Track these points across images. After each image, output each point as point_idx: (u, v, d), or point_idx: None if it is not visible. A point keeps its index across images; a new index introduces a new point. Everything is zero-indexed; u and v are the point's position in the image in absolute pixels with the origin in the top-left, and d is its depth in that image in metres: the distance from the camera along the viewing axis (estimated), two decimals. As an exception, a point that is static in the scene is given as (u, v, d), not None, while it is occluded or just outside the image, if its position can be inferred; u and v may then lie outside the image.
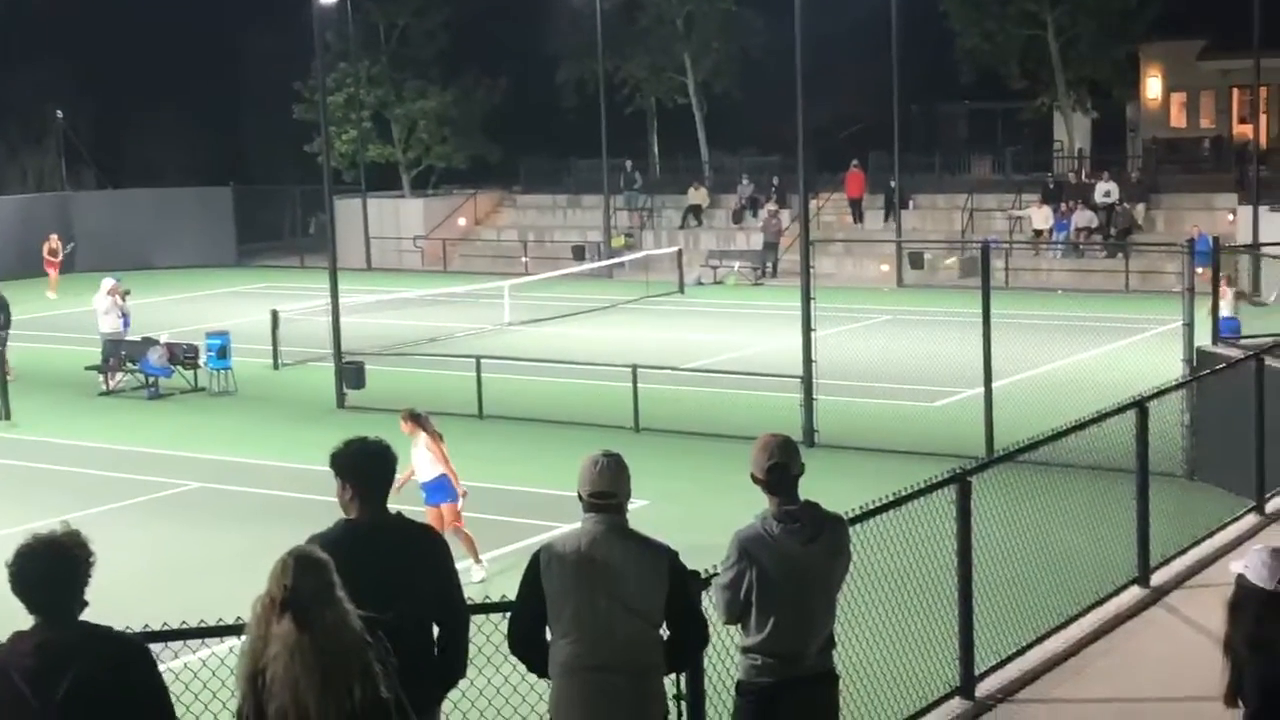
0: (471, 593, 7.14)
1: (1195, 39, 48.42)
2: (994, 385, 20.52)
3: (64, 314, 38.41)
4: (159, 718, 5.26)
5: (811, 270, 22.75)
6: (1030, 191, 44.63)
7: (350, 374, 26.34)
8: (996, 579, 10.20)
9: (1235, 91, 49.59)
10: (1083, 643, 9.98)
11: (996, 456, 10.22)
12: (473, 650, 6.66)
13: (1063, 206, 42.65)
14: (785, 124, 28.08)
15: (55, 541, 5.18)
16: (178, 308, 39.45)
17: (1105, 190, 42.63)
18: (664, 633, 6.55)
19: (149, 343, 27.91)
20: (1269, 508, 12.94)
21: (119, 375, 28.10)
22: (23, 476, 21.57)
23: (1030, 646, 9.78)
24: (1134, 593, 10.86)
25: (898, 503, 8.31)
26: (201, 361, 27.83)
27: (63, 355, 31.76)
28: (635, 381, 23.30)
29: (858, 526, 7.63)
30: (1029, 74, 48.06)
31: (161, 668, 5.37)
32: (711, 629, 6.73)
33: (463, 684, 6.78)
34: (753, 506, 6.92)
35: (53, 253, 43.48)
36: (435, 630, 6.50)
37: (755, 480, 6.82)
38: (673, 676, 6.79)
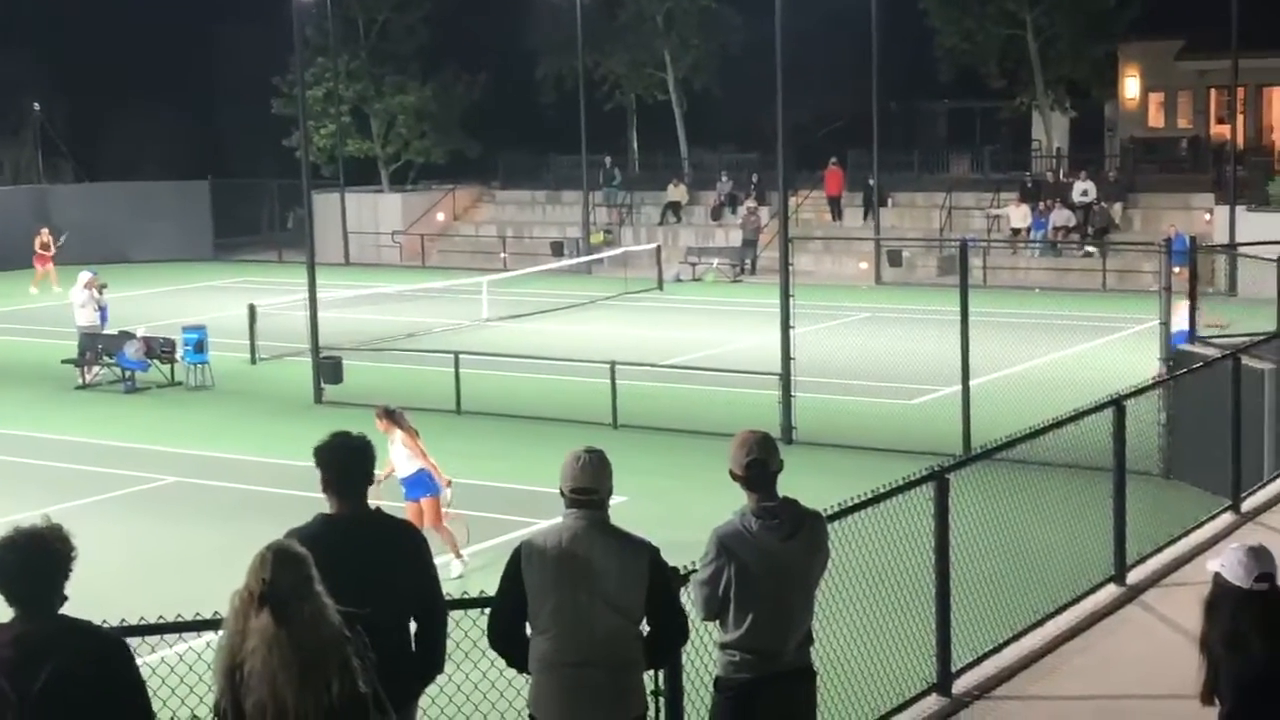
0: (450, 588, 7.14)
1: (1173, 39, 48.59)
2: (972, 383, 20.57)
3: (41, 307, 38.27)
4: (136, 712, 5.25)
5: (790, 267, 22.77)
6: (1008, 190, 44.74)
7: (328, 369, 26.29)
8: (974, 576, 10.22)
9: (1213, 92, 49.76)
10: (1059, 640, 10.01)
11: (974, 454, 10.23)
12: (451, 645, 6.66)
13: (1040, 205, 42.77)
14: (764, 121, 28.18)
15: (37, 534, 5.16)
16: (155, 302, 39.33)
17: (1083, 189, 42.76)
18: (644, 628, 6.55)
19: (126, 336, 27.83)
20: (1245, 506, 12.99)
21: (95, 369, 28.00)
22: (-2, 470, 21.48)
23: (1007, 644, 9.81)
24: (1110, 591, 10.89)
25: (875, 500, 8.32)
26: (178, 356, 27.75)
27: (39, 349, 31.63)
28: (614, 378, 23.30)
29: (836, 523, 7.64)
30: (1008, 73, 48.22)
31: (139, 662, 5.35)
32: (690, 625, 6.73)
33: (441, 679, 6.78)
34: (731, 503, 6.93)
35: (44, 246, 43.02)
36: (414, 625, 6.49)
37: (734, 477, 6.83)
38: (651, 672, 6.79)
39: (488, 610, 6.63)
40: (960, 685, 9.21)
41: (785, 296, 22.41)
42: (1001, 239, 42.38)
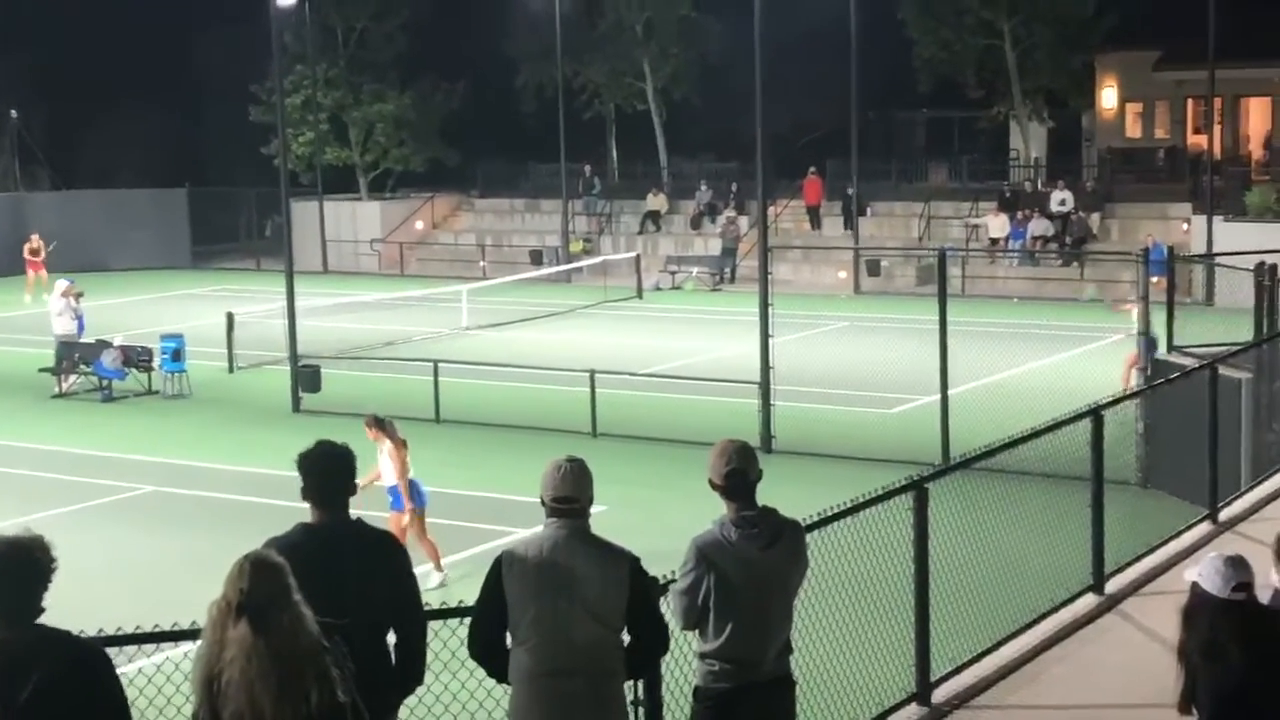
0: (429, 598, 7.12)
1: (1150, 50, 48.81)
2: (950, 392, 20.61)
3: (18, 315, 38.13)
4: (118, 723, 5.23)
5: (770, 276, 22.80)
6: (987, 200, 44.87)
7: (306, 377, 26.24)
8: (953, 585, 10.23)
9: (1190, 102, 49.98)
10: (1038, 650, 10.02)
11: (953, 464, 10.24)
12: (431, 656, 6.65)
13: (1019, 215, 42.89)
14: (744, 130, 28.19)
15: (18, 543, 5.14)
16: (132, 310, 39.21)
17: (1060, 199, 42.90)
18: (624, 638, 6.54)
19: (103, 345, 27.73)
20: (1222, 516, 13.03)
21: (73, 378, 27.90)
22: (-26, 479, 21.37)
23: (986, 653, 9.81)
24: (1089, 600, 10.91)
25: (854, 509, 8.32)
26: (156, 364, 27.66)
27: (16, 357, 31.51)
28: (593, 386, 23.30)
29: (815, 533, 7.64)
30: (986, 83, 48.37)
31: (117, 672, 5.33)
32: (670, 635, 6.73)
33: (420, 690, 6.76)
34: (711, 512, 6.93)
35: (34, 252, 42.78)
36: (393, 636, 6.47)
37: (713, 486, 6.82)
38: (631, 682, 6.78)
39: (467, 620, 6.61)
40: (939, 695, 9.22)
41: (764, 305, 22.44)
42: (980, 248, 42.48)
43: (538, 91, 53.22)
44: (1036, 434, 10.56)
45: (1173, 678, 6.35)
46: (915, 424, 22.58)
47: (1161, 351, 19.93)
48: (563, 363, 27.37)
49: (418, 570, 6.71)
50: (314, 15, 50.10)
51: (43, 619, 5.21)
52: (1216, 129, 43.74)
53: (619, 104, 54.79)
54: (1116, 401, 12.01)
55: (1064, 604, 10.73)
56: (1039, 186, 45.36)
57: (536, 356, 29.46)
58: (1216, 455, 13.24)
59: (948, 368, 20.55)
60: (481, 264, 46.57)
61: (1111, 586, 11.14)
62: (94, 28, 54.78)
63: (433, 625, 6.74)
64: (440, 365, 25.17)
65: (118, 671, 5.32)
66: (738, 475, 6.77)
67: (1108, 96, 51.97)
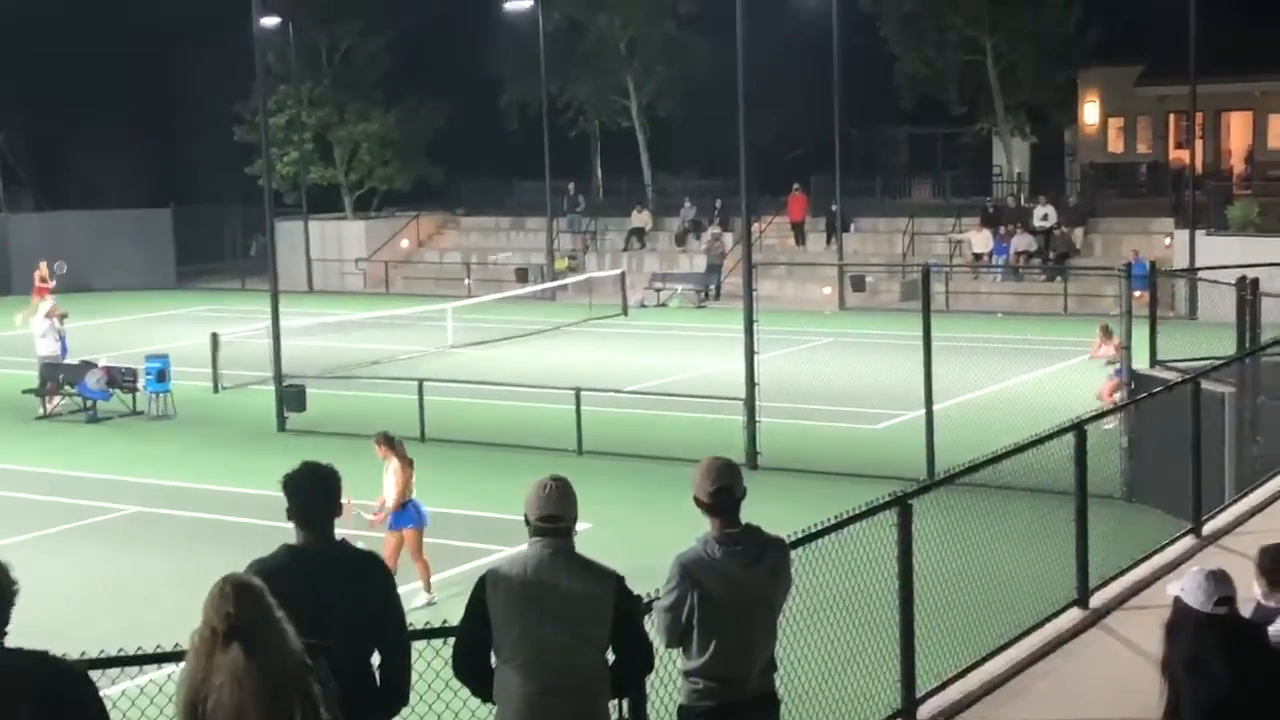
0: (415, 617, 7.11)
1: (1132, 65, 48.98)
2: (935, 407, 20.65)
3: (0, 336, 38.02)
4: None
5: (754, 293, 22.84)
6: (970, 215, 44.99)
7: (291, 397, 26.21)
8: (938, 601, 10.24)
9: (1172, 117, 50.16)
10: (1023, 664, 10.03)
11: (937, 479, 10.26)
12: (416, 676, 6.64)
13: (1001, 230, 43.01)
14: (727, 147, 28.21)
15: None
16: (117, 331, 39.14)
17: (1043, 214, 43.03)
18: (609, 656, 6.54)
19: (87, 366, 27.68)
20: (1206, 530, 13.05)
21: (57, 399, 27.83)
22: (-42, 501, 21.30)
23: (971, 669, 9.82)
24: (1073, 614, 10.92)
25: (838, 525, 8.33)
26: (140, 385, 27.61)
27: (-1, 378, 31.44)
28: (579, 404, 23.31)
29: (799, 549, 7.65)
30: (968, 99, 48.52)
31: (100, 694, 5.32)
32: (654, 653, 6.73)
33: (405, 711, 6.75)
34: (695, 529, 6.94)
35: (43, 279, 42.42)
36: (377, 658, 6.47)
37: (698, 504, 6.83)
38: (616, 701, 6.79)
39: (452, 640, 6.61)
40: (925, 711, 9.22)
41: (749, 322, 22.47)
42: (963, 264, 42.59)
43: (522, 109, 53.29)
44: (1020, 449, 10.58)
45: (1157, 692, 6.37)
46: (900, 439, 22.61)
47: (1143, 366, 19.98)
48: (548, 380, 27.38)
49: (406, 589, 6.70)
50: (298, 35, 50.15)
51: (26, 642, 5.20)
52: (1198, 144, 43.89)
53: (603, 121, 54.89)
54: (1100, 416, 12.04)
55: (1049, 619, 10.74)
56: (1022, 202, 45.49)
57: (522, 374, 29.46)
58: (1200, 469, 13.27)
59: (932, 383, 20.60)
60: (466, 282, 46.58)
61: (1096, 601, 11.15)
62: (77, 47, 54.72)
63: (418, 645, 6.73)
64: (425, 384, 25.16)
65: (100, 694, 5.31)
66: (723, 493, 6.78)
67: (1090, 112, 52.16)
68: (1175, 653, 6.31)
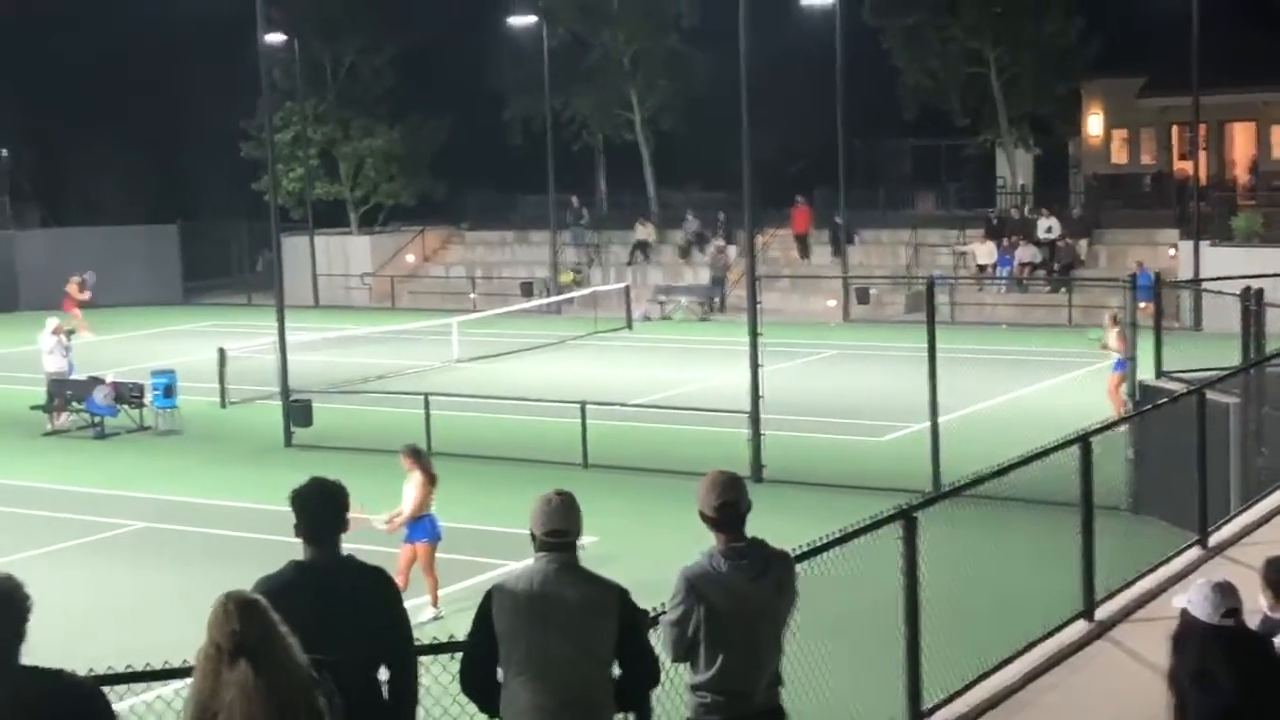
0: (420, 632, 7.13)
1: (1135, 77, 48.98)
2: (940, 420, 20.65)
3: (8, 353, 38.08)
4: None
5: (758, 305, 22.86)
6: (974, 227, 44.99)
7: (298, 412, 26.24)
8: (944, 613, 10.24)
9: (1175, 128, 50.14)
10: (1029, 677, 10.03)
11: (942, 492, 10.26)
12: (422, 691, 6.65)
13: (1005, 242, 43.01)
14: (731, 160, 28.29)
15: (6, 587, 5.15)
16: (124, 346, 39.19)
17: (1047, 226, 43.03)
18: (615, 671, 6.55)
19: (94, 382, 27.72)
20: (1211, 541, 13.05)
21: (64, 415, 27.87)
22: (-35, 518, 21.33)
23: (977, 681, 9.81)
24: (1079, 626, 10.92)
25: (843, 539, 8.34)
26: (147, 400, 27.64)
27: (7, 395, 31.47)
28: (584, 418, 23.32)
29: (804, 563, 7.66)
30: (971, 111, 48.50)
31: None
32: (660, 667, 6.74)
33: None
34: (700, 543, 6.95)
35: (74, 292, 42.39)
36: (385, 672, 6.49)
37: (703, 518, 6.84)
38: (622, 715, 6.79)
39: (459, 655, 6.63)
40: (931, 724, 9.22)
41: (754, 334, 22.48)
42: (968, 276, 42.61)
43: (526, 124, 53.34)
44: (1026, 461, 10.59)
45: (1163, 704, 6.38)
46: (905, 452, 22.61)
47: (1149, 378, 19.98)
48: (553, 394, 27.40)
49: (412, 603, 6.72)
50: (302, 51, 50.25)
51: (33, 657, 5.22)
52: (1202, 155, 43.91)
53: (607, 135, 54.94)
54: (1105, 428, 12.04)
55: (1055, 631, 10.74)
56: (1026, 213, 45.50)
57: (527, 388, 29.48)
58: (1205, 480, 13.27)
59: (937, 395, 20.60)
60: (472, 296, 46.62)
61: (1102, 613, 11.15)
62: (83, 65, 54.85)
63: (424, 660, 6.75)
64: (431, 398, 25.18)
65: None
66: (729, 508, 6.79)
67: (1093, 123, 52.19)
68: (1182, 665, 6.33)
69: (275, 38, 45.20)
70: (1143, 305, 21.79)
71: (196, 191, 57.70)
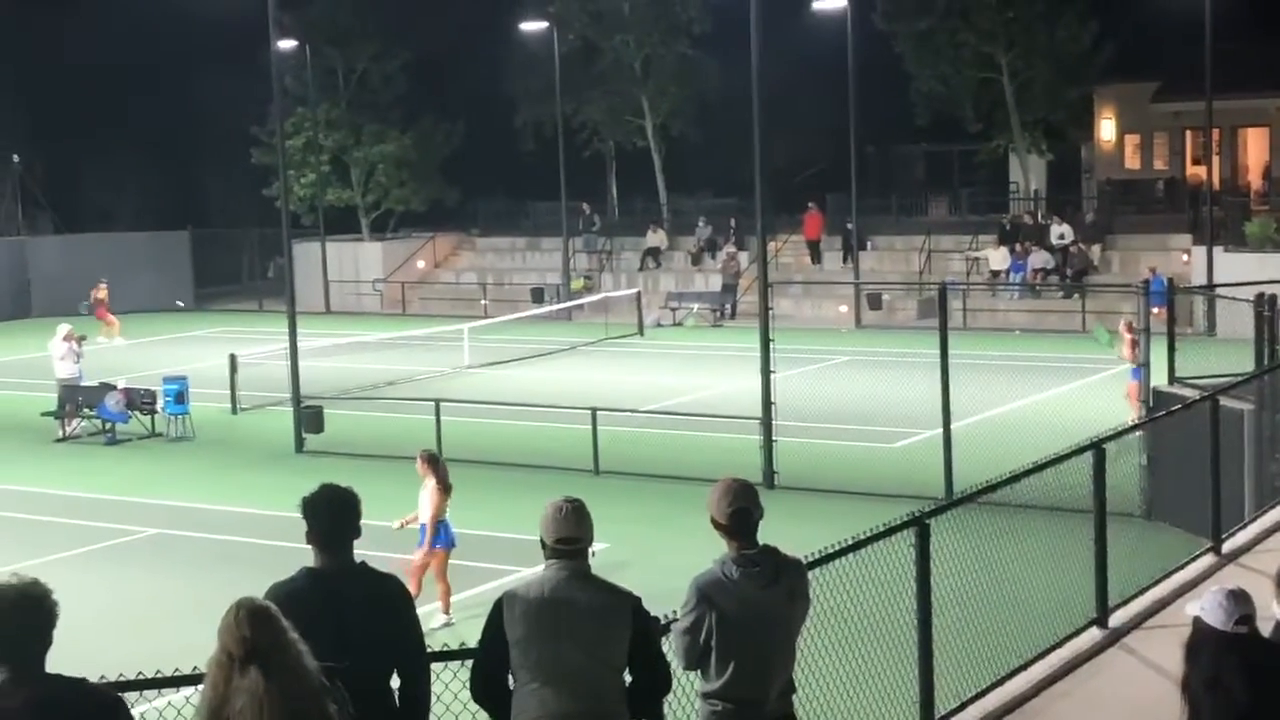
0: (432, 639, 7.11)
1: (1148, 82, 48.97)
2: (953, 426, 20.60)
3: (20, 359, 38.16)
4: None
5: (770, 312, 22.83)
6: (987, 233, 44.95)
7: (309, 418, 26.25)
8: (956, 621, 10.21)
9: (1188, 133, 50.12)
10: (1042, 685, 9.99)
11: (955, 499, 10.23)
12: (434, 698, 6.64)
13: (1018, 248, 42.95)
14: (743, 166, 28.29)
15: (29, 592, 5.14)
16: (135, 353, 39.25)
17: (1060, 232, 42.97)
18: (626, 679, 6.53)
19: (106, 388, 27.75)
20: (1225, 548, 13.01)
21: (76, 421, 27.91)
22: (-22, 524, 21.36)
23: (990, 689, 9.78)
24: (1093, 634, 10.89)
25: (856, 546, 8.32)
26: (159, 407, 27.67)
27: (19, 401, 31.53)
28: (595, 424, 23.30)
29: (817, 570, 7.64)
30: (984, 116, 48.48)
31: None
32: (672, 675, 6.72)
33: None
34: (712, 551, 6.93)
35: (100, 299, 42.49)
36: (396, 680, 6.47)
37: (715, 525, 6.82)
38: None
39: (470, 662, 6.61)
40: (944, 732, 9.19)
41: (765, 341, 22.45)
42: (980, 281, 42.55)
43: (537, 130, 53.42)
44: (1039, 468, 10.56)
45: (1177, 712, 6.34)
46: (918, 458, 22.56)
47: (1162, 384, 19.92)
48: (565, 400, 27.39)
49: (424, 610, 6.70)
50: (314, 57, 50.36)
51: (49, 664, 5.22)
52: (1215, 160, 43.84)
53: (618, 142, 54.98)
54: (1118, 435, 12.00)
55: (1068, 638, 10.70)
56: (1039, 219, 45.43)
57: (538, 394, 29.47)
58: (1219, 487, 13.23)
59: (950, 401, 20.56)
60: (483, 302, 46.65)
61: (1115, 620, 11.12)
62: (95, 72, 55.04)
63: (436, 667, 6.73)
64: (442, 404, 25.17)
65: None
66: (741, 515, 6.77)
67: (1106, 128, 52.13)
68: (1195, 673, 6.28)
69: (287, 44, 45.30)
70: (1156, 311, 21.72)
71: (208, 198, 57.87)
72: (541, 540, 6.52)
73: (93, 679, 5.58)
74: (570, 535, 6.46)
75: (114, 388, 27.70)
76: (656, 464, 23.21)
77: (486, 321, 41.02)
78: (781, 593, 6.78)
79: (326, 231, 51.06)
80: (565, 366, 35.79)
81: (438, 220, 54.54)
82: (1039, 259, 42.49)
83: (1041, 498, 11.23)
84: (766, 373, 22.43)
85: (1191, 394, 16.72)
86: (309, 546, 6.48)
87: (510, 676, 6.46)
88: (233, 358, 30.31)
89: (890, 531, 8.67)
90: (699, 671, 6.85)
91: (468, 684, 6.61)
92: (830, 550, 8.01)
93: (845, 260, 45.19)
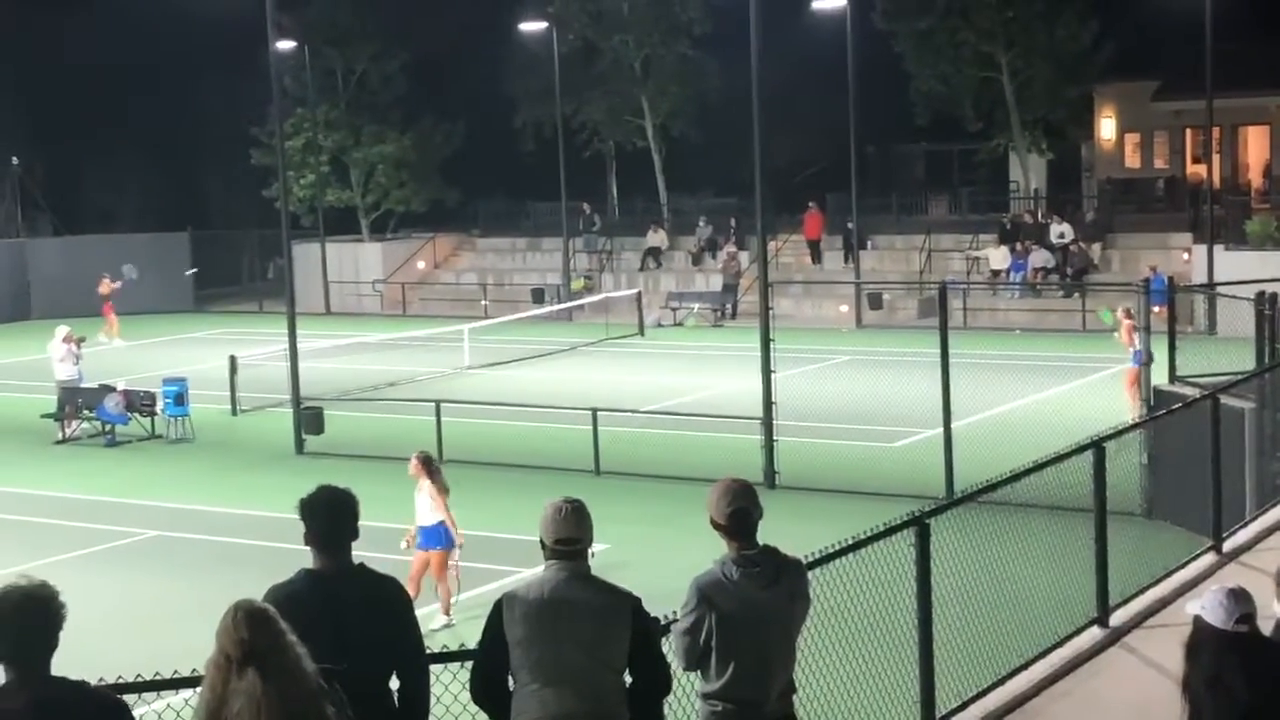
0: (431, 640, 7.10)
1: (1148, 80, 48.95)
2: (953, 425, 20.60)
3: (19, 362, 38.15)
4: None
5: (771, 311, 22.82)
6: (987, 232, 44.92)
7: (309, 420, 26.24)
8: (957, 620, 10.20)
9: (1188, 132, 50.11)
10: (1043, 684, 9.99)
11: (955, 498, 10.23)
12: (434, 700, 6.62)
13: (1018, 247, 42.93)
14: (743, 166, 28.29)
15: (36, 594, 5.14)
16: (135, 354, 39.23)
17: (1060, 232, 42.95)
18: (626, 679, 6.52)
19: (106, 390, 27.73)
20: (1226, 546, 13.00)
21: (75, 423, 27.90)
22: (-22, 526, 21.35)
23: (991, 688, 9.78)
24: (1094, 633, 10.88)
25: (856, 546, 8.31)
26: (159, 408, 27.65)
27: (18, 403, 31.52)
28: (595, 424, 23.30)
29: (817, 569, 7.63)
30: (984, 115, 48.45)
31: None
32: (672, 676, 6.71)
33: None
34: (712, 551, 6.92)
35: (106, 294, 42.45)
36: (395, 682, 6.46)
37: (715, 525, 6.81)
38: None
39: (469, 663, 6.60)
40: (945, 731, 9.18)
41: (766, 341, 22.45)
42: (981, 281, 42.52)
43: (537, 130, 53.40)
44: (1039, 467, 10.55)
45: (1178, 712, 6.33)
46: (919, 458, 22.55)
47: (1163, 382, 19.91)
48: (565, 401, 27.38)
49: (423, 611, 6.69)
50: (314, 58, 50.33)
51: (51, 665, 5.22)
52: (1215, 158, 43.83)
53: (618, 142, 54.97)
54: (1119, 434, 11.99)
55: (1069, 637, 10.70)
56: (1039, 218, 45.41)
57: (539, 395, 29.46)
58: (1220, 485, 13.22)
59: (950, 401, 20.55)
60: (483, 303, 46.63)
61: (1116, 619, 11.11)
62: (94, 73, 55.03)
63: (435, 669, 6.72)
64: (443, 405, 25.16)
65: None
66: (741, 515, 6.76)
67: (1106, 127, 52.11)
68: (1196, 672, 6.27)
69: (286, 45, 45.28)
70: (1157, 310, 21.72)
71: (207, 199, 57.85)
72: (541, 541, 6.51)
73: (93, 681, 5.58)
74: (570, 536, 6.45)
75: (114, 389, 27.69)
76: (657, 464, 23.20)
77: (487, 322, 41.01)
78: (782, 593, 6.77)
79: (326, 232, 51.04)
80: (566, 367, 35.78)
81: (438, 221, 54.52)
82: (1039, 258, 42.48)
83: (1042, 497, 11.23)
84: (767, 372, 22.42)
85: (1192, 392, 16.71)
86: (308, 548, 6.48)
87: (510, 677, 6.46)
88: (232, 359, 30.29)
89: (891, 531, 8.66)
90: (699, 672, 6.84)
91: (467, 685, 6.60)
92: (831, 550, 8.00)
93: (846, 260, 45.18)
